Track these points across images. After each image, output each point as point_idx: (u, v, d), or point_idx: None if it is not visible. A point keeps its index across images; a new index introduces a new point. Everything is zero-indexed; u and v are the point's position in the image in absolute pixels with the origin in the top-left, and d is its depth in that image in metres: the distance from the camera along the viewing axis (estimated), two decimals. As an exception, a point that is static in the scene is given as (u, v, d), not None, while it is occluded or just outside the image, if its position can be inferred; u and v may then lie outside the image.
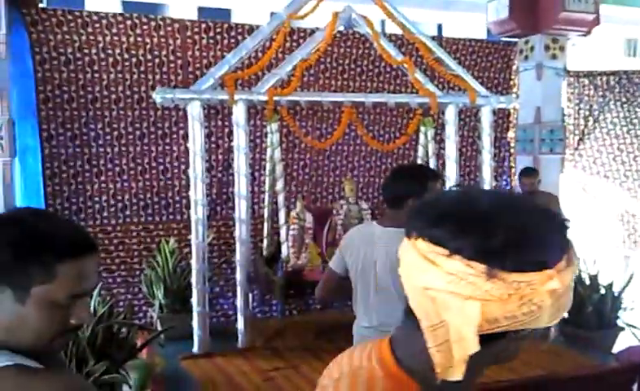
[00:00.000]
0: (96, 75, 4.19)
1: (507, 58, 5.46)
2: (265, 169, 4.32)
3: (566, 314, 2.84)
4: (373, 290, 2.34)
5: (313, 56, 3.83)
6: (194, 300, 3.63)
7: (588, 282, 4.01)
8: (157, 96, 3.48)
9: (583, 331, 3.76)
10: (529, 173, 4.64)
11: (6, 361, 0.94)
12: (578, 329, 3.77)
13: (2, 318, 0.98)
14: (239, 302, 3.66)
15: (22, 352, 1.00)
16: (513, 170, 5.56)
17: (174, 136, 4.45)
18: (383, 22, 5.09)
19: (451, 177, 3.97)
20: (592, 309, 3.84)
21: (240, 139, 3.58)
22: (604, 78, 5.39)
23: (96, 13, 4.20)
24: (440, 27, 6.20)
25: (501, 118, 5.46)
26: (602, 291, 3.93)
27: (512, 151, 5.53)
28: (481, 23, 5.39)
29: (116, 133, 4.31)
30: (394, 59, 3.95)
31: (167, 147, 4.45)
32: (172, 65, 4.36)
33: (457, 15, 5.72)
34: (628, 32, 7.11)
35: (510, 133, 5.55)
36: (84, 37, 4.12)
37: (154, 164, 4.45)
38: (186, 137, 4.07)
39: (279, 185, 3.84)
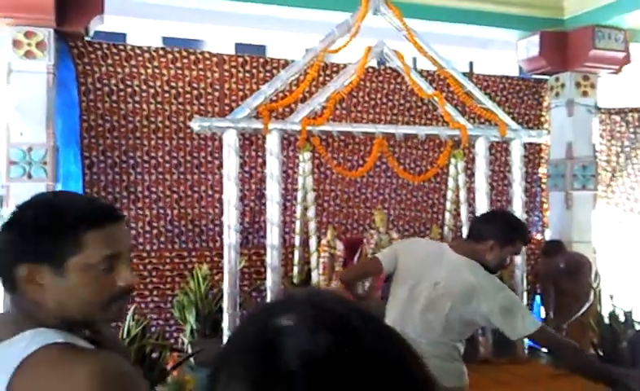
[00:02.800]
0: (137, 106, 4.38)
1: (538, 94, 5.50)
2: (296, 199, 4.40)
3: (600, 352, 2.86)
4: (420, 305, 2.39)
5: (346, 89, 3.96)
6: (225, 324, 3.67)
7: (622, 318, 3.96)
8: (195, 124, 3.61)
9: (617, 369, 3.68)
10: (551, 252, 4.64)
11: (52, 339, 0.98)
12: (613, 366, 3.69)
13: (50, 295, 1.03)
14: (269, 328, 3.67)
15: (77, 328, 1.05)
16: (545, 206, 5.55)
17: (209, 165, 4.58)
18: (414, 59, 5.20)
19: (481, 209, 3.99)
20: (627, 346, 3.77)
21: (273, 167, 3.66)
22: (636, 115, 5.39)
23: (139, 47, 4.40)
24: (471, 64, 6.28)
25: (533, 154, 5.48)
26: (637, 327, 3.86)
27: (544, 186, 5.53)
28: (512, 60, 5.46)
29: (154, 161, 4.46)
30: (425, 92, 4.05)
31: (202, 176, 4.59)
32: (209, 97, 4.53)
33: (488, 53, 5.80)
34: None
35: (542, 169, 5.56)
36: (127, 70, 4.32)
37: (189, 193, 4.58)
38: (220, 166, 4.16)
39: (310, 213, 3.91)
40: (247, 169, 4.61)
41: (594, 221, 5.29)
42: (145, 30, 5.18)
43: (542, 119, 5.55)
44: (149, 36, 5.29)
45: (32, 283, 1.02)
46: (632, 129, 5.44)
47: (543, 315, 4.69)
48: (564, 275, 4.52)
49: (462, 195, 4.24)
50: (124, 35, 5.21)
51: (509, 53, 5.37)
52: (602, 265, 5.21)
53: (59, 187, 4.20)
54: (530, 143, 4.89)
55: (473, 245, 2.43)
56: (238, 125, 3.62)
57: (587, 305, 4.46)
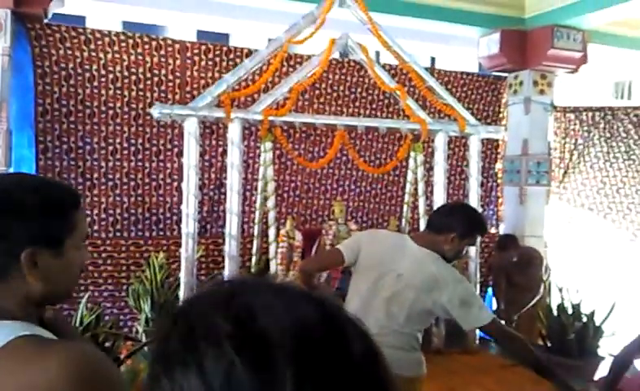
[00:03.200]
0: (95, 91, 4.30)
1: (497, 91, 5.63)
2: (256, 189, 4.41)
3: (549, 342, 2.96)
4: (383, 296, 2.42)
5: (309, 80, 3.96)
6: (181, 313, 3.64)
7: (570, 311, 4.12)
8: (155, 111, 3.56)
9: (565, 359, 3.83)
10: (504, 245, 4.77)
11: (22, 331, 0.96)
12: (560, 357, 3.83)
13: (43, 277, 1.03)
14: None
15: (35, 314, 1.05)
16: (500, 200, 5.69)
17: (168, 153, 4.54)
18: (377, 53, 5.25)
19: (438, 202, 4.06)
20: (574, 338, 3.93)
21: (234, 157, 3.64)
22: (590, 114, 5.57)
23: (99, 31, 4.31)
24: (433, 59, 6.36)
25: (490, 149, 5.61)
26: (584, 319, 4.03)
27: (499, 181, 5.68)
28: (473, 57, 5.55)
29: (111, 147, 4.39)
30: (387, 85, 4.10)
31: (160, 164, 4.54)
32: (170, 84, 4.48)
33: (450, 49, 5.88)
34: (617, 75, 7.32)
35: (498, 165, 5.71)
36: (85, 54, 4.23)
37: (147, 180, 4.53)
38: (180, 154, 4.15)
39: (270, 203, 3.91)
40: (207, 157, 4.59)
41: (547, 216, 5.46)
42: (105, 14, 5.07)
43: (500, 115, 5.68)
44: (109, 20, 5.18)
45: (33, 268, 1.02)
46: (585, 128, 5.61)
47: (495, 306, 4.83)
48: (516, 268, 4.65)
49: (421, 188, 4.30)
50: (83, 18, 5.09)
51: (470, 49, 5.45)
52: (553, 259, 5.39)
53: (11, 172, 4.10)
54: (488, 139, 4.98)
55: (433, 236, 2.48)
56: (200, 113, 3.59)
57: (537, 297, 4.61)
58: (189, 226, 3.61)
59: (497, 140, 5.46)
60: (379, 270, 2.45)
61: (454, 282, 2.42)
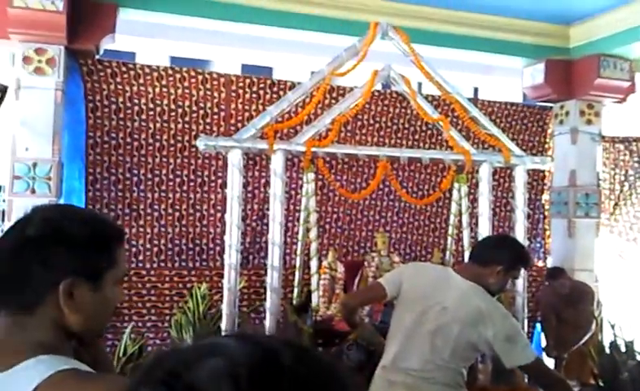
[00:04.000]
0: (143, 123, 4.44)
1: (542, 122, 5.55)
2: (298, 220, 4.42)
3: (600, 382, 2.85)
4: (427, 329, 2.39)
5: (351, 111, 3.97)
6: (224, 344, 3.64)
7: (624, 348, 3.94)
8: (200, 143, 3.61)
9: (618, 400, 3.66)
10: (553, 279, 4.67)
11: (60, 365, 0.96)
12: (614, 396, 3.67)
13: (79, 310, 1.03)
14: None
15: (70, 347, 1.04)
16: (547, 233, 5.56)
17: (212, 184, 4.62)
18: (420, 84, 5.24)
19: (483, 234, 3.96)
20: (627, 377, 3.76)
21: (277, 188, 3.65)
22: (640, 144, 5.42)
23: (148, 66, 4.47)
24: (476, 90, 6.33)
25: (536, 180, 5.51)
26: (638, 358, 3.85)
27: (546, 213, 5.55)
28: (517, 87, 5.50)
29: (157, 179, 4.51)
30: (430, 116, 4.08)
31: (205, 195, 4.62)
32: (215, 117, 4.58)
33: (493, 79, 5.85)
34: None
35: (545, 196, 5.59)
36: (135, 88, 4.39)
37: (191, 211, 4.61)
38: (223, 185, 4.20)
39: (312, 234, 3.92)
40: (250, 188, 4.65)
41: (597, 249, 5.29)
42: (153, 49, 5.27)
43: (546, 146, 5.58)
44: (157, 55, 5.38)
45: (69, 298, 1.02)
46: (636, 158, 5.46)
47: (544, 344, 4.67)
48: (566, 303, 4.51)
49: (465, 219, 4.25)
50: (133, 54, 5.30)
51: (514, 80, 5.41)
52: (604, 294, 5.20)
53: (60, 203, 4.23)
54: (534, 170, 4.88)
55: (478, 269, 2.46)
56: (244, 145, 3.63)
57: (588, 334, 4.44)
58: (231, 257, 3.61)
59: (543, 171, 5.37)
60: (424, 303, 2.43)
61: (501, 317, 2.40)
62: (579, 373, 4.21)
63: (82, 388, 0.93)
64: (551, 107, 5.45)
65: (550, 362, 4.35)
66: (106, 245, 1.06)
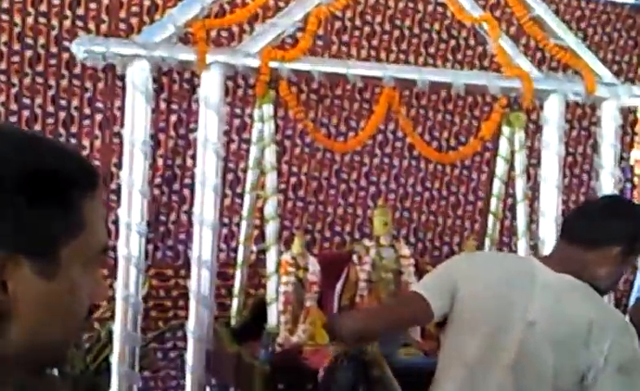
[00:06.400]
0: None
1: (636, 30, 5.55)
2: (244, 185, 4.30)
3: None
4: (505, 363, 2.42)
5: (337, 3, 3.90)
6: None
7: None
8: (78, 48, 3.52)
9: None
10: None
11: None
12: None
13: (25, 310, 0.96)
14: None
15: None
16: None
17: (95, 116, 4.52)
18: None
19: (548, 209, 4.04)
20: None
21: (209, 128, 3.63)
22: None
23: None
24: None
25: (623, 126, 5.46)
26: None
27: (637, 179, 5.63)
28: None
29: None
30: (468, 14, 4.01)
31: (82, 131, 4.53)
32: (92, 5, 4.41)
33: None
34: None
35: (636, 152, 5.58)
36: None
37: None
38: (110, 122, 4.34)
39: (268, 208, 3.81)
40: (161, 126, 4.59)
41: None
42: None
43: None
44: None
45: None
46: None
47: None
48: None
49: (520, 186, 4.19)
50: None
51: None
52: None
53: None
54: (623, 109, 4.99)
55: (580, 254, 2.49)
56: (154, 53, 3.57)
57: None
58: (130, 245, 3.61)
59: (635, 111, 5.38)
60: (496, 321, 2.47)
61: (620, 333, 2.41)
62: None
63: None
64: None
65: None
66: (63, 195, 0.97)
